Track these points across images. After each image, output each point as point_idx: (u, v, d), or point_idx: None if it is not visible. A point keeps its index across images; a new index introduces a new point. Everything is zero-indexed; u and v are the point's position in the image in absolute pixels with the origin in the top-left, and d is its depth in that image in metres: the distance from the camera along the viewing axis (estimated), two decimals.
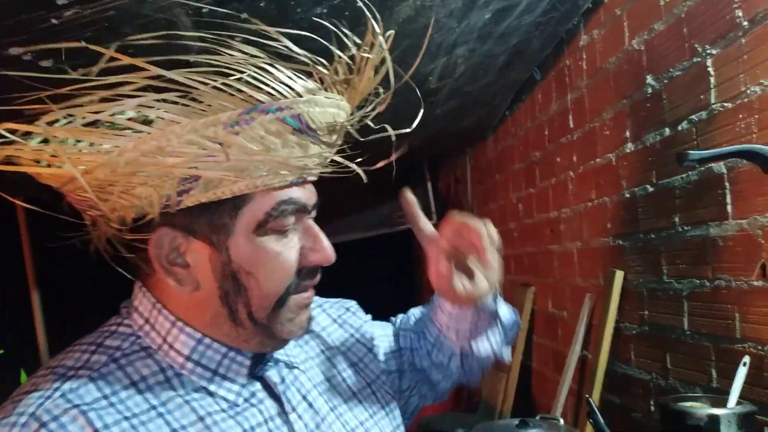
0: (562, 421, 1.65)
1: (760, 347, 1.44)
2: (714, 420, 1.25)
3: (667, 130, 1.80)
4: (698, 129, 1.65)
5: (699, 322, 1.70)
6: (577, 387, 2.37)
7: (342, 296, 1.06)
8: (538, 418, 1.67)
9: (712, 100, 1.58)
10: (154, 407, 0.70)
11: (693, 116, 1.66)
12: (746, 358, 1.36)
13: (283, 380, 0.82)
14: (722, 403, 1.35)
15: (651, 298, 1.94)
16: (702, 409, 1.29)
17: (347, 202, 3.47)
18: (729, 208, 1.54)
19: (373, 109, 0.79)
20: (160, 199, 0.68)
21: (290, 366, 0.84)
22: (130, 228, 0.71)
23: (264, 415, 0.76)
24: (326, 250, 0.78)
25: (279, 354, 0.83)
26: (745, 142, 1.43)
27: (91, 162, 0.64)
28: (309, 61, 0.76)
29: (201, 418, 0.72)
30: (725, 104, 1.53)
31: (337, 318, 1.00)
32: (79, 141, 0.69)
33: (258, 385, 0.79)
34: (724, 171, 1.55)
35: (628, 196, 2.04)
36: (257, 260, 0.73)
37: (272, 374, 0.81)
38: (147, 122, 0.67)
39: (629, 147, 2.03)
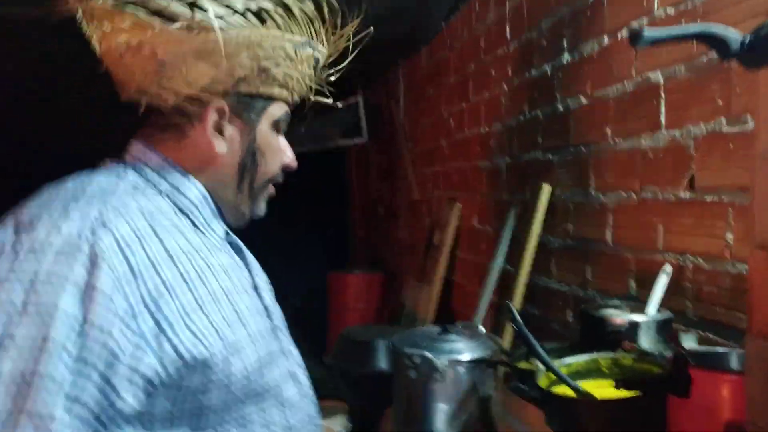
0: (482, 329, 1.65)
1: (680, 257, 1.46)
2: (634, 326, 1.26)
3: (606, 39, 1.74)
4: None
5: (622, 235, 1.71)
6: (497, 299, 2.40)
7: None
8: (458, 325, 1.66)
9: (655, 7, 1.52)
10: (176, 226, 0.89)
11: (634, 23, 1.60)
12: (668, 267, 1.37)
13: (242, 249, 1.03)
14: (641, 311, 1.38)
15: (577, 211, 1.94)
16: (623, 315, 1.29)
17: None
18: (663, 118, 1.51)
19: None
20: (227, 79, 0.88)
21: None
22: (188, 97, 0.87)
23: (237, 263, 0.98)
24: (293, 157, 1.04)
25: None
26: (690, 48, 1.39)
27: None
28: None
29: (201, 245, 0.90)
30: (668, 10, 1.48)
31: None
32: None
33: (228, 246, 0.99)
34: (661, 81, 1.51)
35: (561, 109, 2.00)
36: (269, 146, 0.99)
37: (237, 239, 1.02)
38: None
39: (566, 58, 1.97)
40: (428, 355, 1.41)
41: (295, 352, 1.02)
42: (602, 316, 1.30)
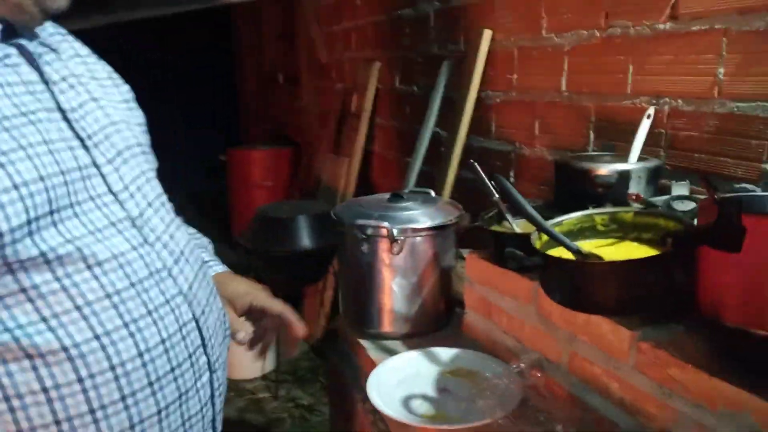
0: (433, 193, 1.45)
1: (653, 101, 1.30)
2: (624, 176, 1.10)
3: None
4: None
5: (580, 81, 1.53)
6: (428, 167, 2.21)
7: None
8: (407, 191, 1.45)
9: None
10: None
11: None
12: (651, 110, 1.20)
13: (41, 56, 0.75)
14: (619, 162, 1.22)
15: (523, 59, 1.73)
16: (608, 165, 1.12)
17: None
18: None
19: None
20: None
21: (51, 48, 0.77)
22: None
23: (21, 78, 0.71)
24: None
25: (40, 40, 0.76)
26: None
27: None
28: None
29: None
30: None
31: (113, 76, 0.88)
32: None
33: (13, 51, 0.72)
34: None
35: None
36: None
37: (30, 45, 0.74)
38: None
39: None
40: (384, 224, 1.20)
41: (138, 199, 0.76)
42: (586, 169, 1.12)
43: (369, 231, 1.22)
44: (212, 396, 0.80)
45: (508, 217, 1.16)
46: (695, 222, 0.93)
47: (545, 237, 0.97)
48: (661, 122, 1.29)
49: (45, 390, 0.64)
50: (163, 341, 0.71)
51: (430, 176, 2.18)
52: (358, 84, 2.76)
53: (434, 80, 2.14)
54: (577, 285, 0.88)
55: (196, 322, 0.76)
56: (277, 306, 1.01)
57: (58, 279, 0.65)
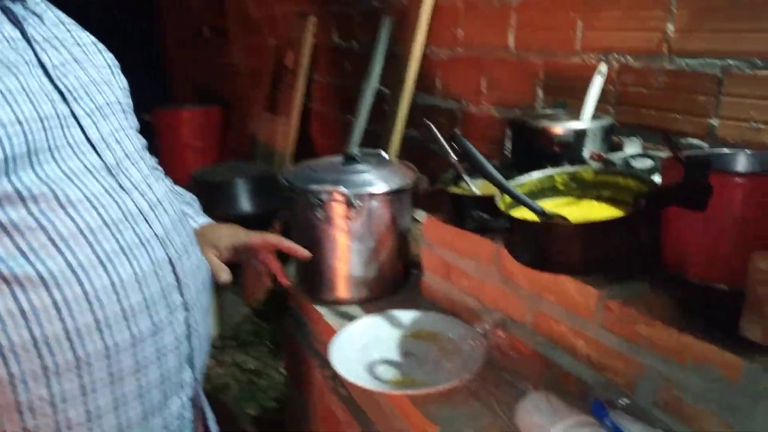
0: (385, 154, 1.41)
1: (602, 57, 1.31)
2: (581, 135, 1.10)
3: None
4: None
5: (528, 37, 1.51)
6: (371, 125, 2.16)
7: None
8: (357, 152, 1.41)
9: None
10: None
11: None
12: (603, 67, 1.20)
13: (25, 18, 0.78)
14: (572, 119, 1.22)
15: (470, 14, 1.69)
16: (568, 123, 1.12)
17: None
18: None
19: None
20: None
21: (35, 13, 0.80)
22: None
23: (3, 35, 0.74)
24: None
25: (25, 5, 0.79)
26: None
27: None
28: None
29: None
30: None
31: (96, 43, 0.91)
32: None
33: None
34: None
35: None
36: None
37: (14, 7, 0.77)
38: None
39: None
40: (342, 190, 1.16)
41: (115, 150, 0.81)
42: (543, 128, 1.12)
43: (324, 196, 1.18)
44: (189, 334, 0.83)
45: (466, 178, 1.14)
46: (655, 179, 0.94)
47: (508, 198, 0.96)
48: (611, 79, 1.30)
49: (23, 312, 0.68)
50: (136, 276, 0.75)
51: (375, 135, 2.14)
52: (292, 39, 2.65)
53: (374, 36, 2.08)
54: (545, 246, 0.88)
55: (171, 263, 0.80)
56: (256, 238, 1.06)
57: (32, 215, 0.69)
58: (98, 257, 0.72)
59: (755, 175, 0.73)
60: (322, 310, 1.26)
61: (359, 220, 1.19)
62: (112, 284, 0.73)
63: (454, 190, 1.12)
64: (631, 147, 1.14)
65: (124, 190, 0.78)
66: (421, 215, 1.29)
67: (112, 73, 0.89)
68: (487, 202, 0.97)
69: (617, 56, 1.29)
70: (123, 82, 0.92)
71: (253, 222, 2.24)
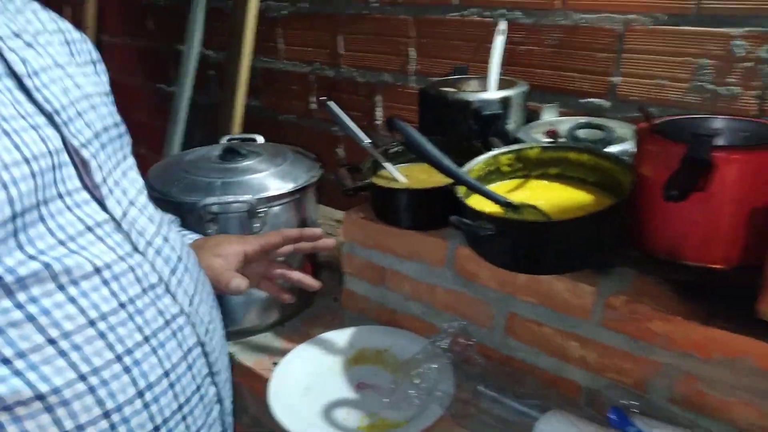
0: (261, 139, 1.18)
1: (489, 13, 1.21)
2: (507, 103, 1.00)
3: None
4: None
5: None
6: (198, 96, 1.84)
7: None
8: (226, 140, 1.16)
9: None
10: None
11: None
12: (503, 24, 1.10)
13: None
14: (478, 87, 1.12)
15: None
16: (491, 94, 1.01)
17: None
18: None
19: None
20: None
21: None
22: None
23: None
24: None
25: None
26: None
27: None
28: None
29: None
30: None
31: (72, 31, 0.64)
32: None
33: None
34: None
35: None
36: None
37: None
38: None
39: None
40: (244, 198, 0.92)
41: (118, 195, 0.58)
42: (465, 100, 0.99)
43: (215, 209, 0.93)
44: (224, 430, 0.66)
45: (388, 166, 0.98)
46: (607, 150, 0.88)
47: (463, 189, 0.83)
48: None
49: None
50: (166, 374, 0.55)
51: (205, 108, 1.83)
52: None
53: None
54: (535, 247, 0.77)
55: (202, 345, 0.61)
56: (272, 236, 0.85)
57: (20, 306, 0.47)
58: (116, 355, 0.51)
59: (753, 149, 0.69)
60: (231, 348, 1.01)
61: (261, 229, 0.96)
62: (139, 392, 0.52)
63: (381, 182, 0.95)
64: (549, 113, 1.07)
65: (138, 251, 0.56)
66: (327, 211, 1.10)
67: (96, 72, 0.64)
68: (426, 195, 0.83)
69: (504, 12, 1.20)
70: (107, 83, 0.65)
71: None
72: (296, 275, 0.89)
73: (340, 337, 0.98)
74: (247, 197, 0.91)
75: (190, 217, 0.93)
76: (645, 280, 0.77)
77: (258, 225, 0.95)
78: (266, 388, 0.88)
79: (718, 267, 0.74)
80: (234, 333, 1.03)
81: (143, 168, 0.72)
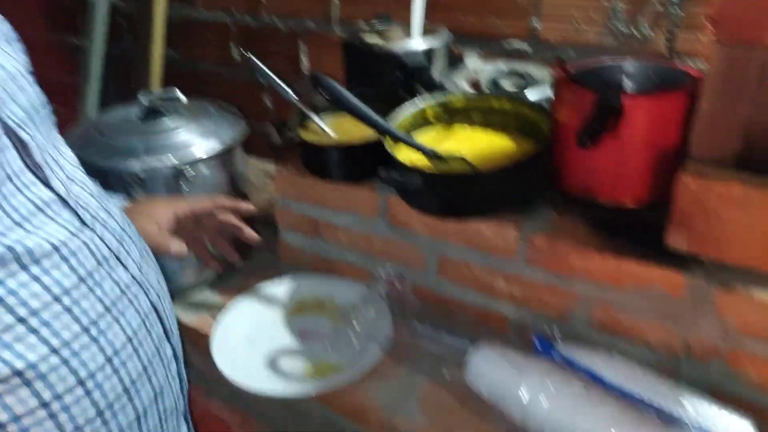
0: (182, 96, 1.15)
1: None
2: (430, 55, 1.01)
3: None
4: None
5: None
6: (110, 49, 1.75)
7: None
8: (146, 98, 1.12)
9: None
10: None
11: None
12: None
13: None
14: (398, 37, 1.12)
15: None
16: (413, 43, 1.02)
17: None
18: None
19: None
20: None
21: None
22: None
23: None
24: None
25: None
26: None
27: None
28: None
29: None
30: None
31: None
32: None
33: None
34: None
35: None
36: None
37: None
38: None
39: None
40: (170, 160, 0.91)
41: (58, 173, 0.60)
42: (390, 52, 1.00)
43: (143, 174, 0.91)
44: (181, 388, 0.70)
45: (317, 120, 0.98)
46: (527, 92, 0.92)
47: (391, 141, 0.85)
48: None
49: (1, 427, 0.51)
50: (129, 340, 0.59)
51: (118, 60, 1.75)
52: None
53: None
54: (462, 197, 0.81)
55: (156, 310, 0.64)
56: (204, 201, 0.87)
57: None
58: (83, 327, 0.54)
59: (658, 94, 0.75)
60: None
61: (191, 191, 0.96)
62: (107, 359, 0.55)
63: (310, 138, 0.96)
64: (472, 59, 1.09)
65: (87, 226, 0.57)
66: (257, 163, 1.10)
67: (15, 51, 0.62)
68: (358, 149, 0.84)
69: None
70: (27, 62, 0.64)
71: None
72: (225, 246, 0.91)
73: (280, 287, 1.01)
74: (173, 162, 0.90)
75: (115, 182, 0.91)
76: (564, 220, 0.83)
77: (187, 189, 0.94)
78: (209, 341, 0.90)
79: (629, 205, 0.80)
80: (173, 292, 1.03)
81: (59, 129, 0.70)
